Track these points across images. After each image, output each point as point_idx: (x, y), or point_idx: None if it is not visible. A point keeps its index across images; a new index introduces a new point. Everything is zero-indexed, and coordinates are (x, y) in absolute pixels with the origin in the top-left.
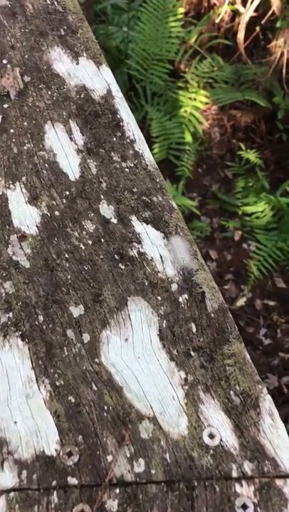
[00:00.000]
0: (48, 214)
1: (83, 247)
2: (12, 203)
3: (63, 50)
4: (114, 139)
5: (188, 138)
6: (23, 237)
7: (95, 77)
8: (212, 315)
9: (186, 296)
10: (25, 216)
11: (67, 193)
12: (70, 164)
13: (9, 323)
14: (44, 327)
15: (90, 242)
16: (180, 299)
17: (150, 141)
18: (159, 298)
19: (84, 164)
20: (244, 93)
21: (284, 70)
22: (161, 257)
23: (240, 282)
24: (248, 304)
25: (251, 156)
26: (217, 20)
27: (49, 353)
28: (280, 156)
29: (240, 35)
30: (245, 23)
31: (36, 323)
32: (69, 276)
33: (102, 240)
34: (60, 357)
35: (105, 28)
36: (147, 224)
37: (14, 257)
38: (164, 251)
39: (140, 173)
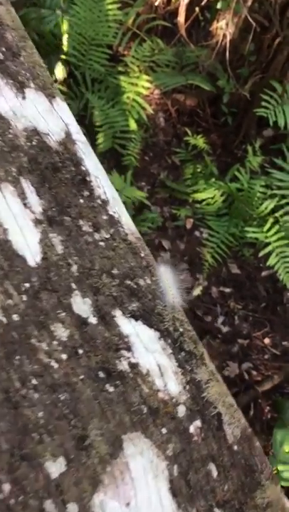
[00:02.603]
0: (5, 320)
1: (56, 366)
2: None
3: (4, 81)
4: (82, 200)
5: (133, 125)
6: None
7: (49, 116)
8: (235, 447)
9: (198, 422)
10: None
11: (28, 285)
12: (28, 242)
13: None
14: (12, 502)
15: (63, 357)
16: (191, 429)
17: (94, 131)
18: (164, 430)
19: (46, 240)
20: (187, 77)
21: (227, 53)
22: (159, 368)
23: (195, 271)
24: (204, 292)
25: (198, 141)
26: (156, 3)
27: None
28: (225, 139)
29: (181, 18)
30: (185, 5)
31: (1, 496)
32: (40, 414)
33: (80, 352)
34: None
35: (37, 12)
36: (136, 320)
37: None
38: (162, 358)
39: (120, 247)
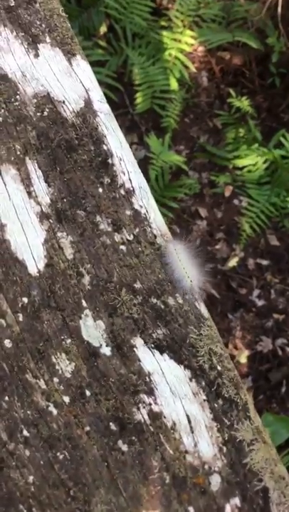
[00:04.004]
0: None
1: (55, 412)
2: None
3: (14, 33)
4: (100, 189)
5: (174, 85)
6: None
7: (66, 79)
8: None
9: (236, 500)
10: None
11: (26, 300)
12: (30, 243)
13: None
14: None
15: (66, 400)
16: (227, 509)
17: (132, 90)
18: (192, 509)
19: (52, 241)
20: (234, 33)
21: (279, 7)
22: (189, 421)
23: (232, 241)
24: (240, 264)
25: (242, 103)
26: None
27: None
28: (272, 102)
29: None
30: None
31: None
32: (31, 478)
33: (88, 393)
34: None
35: None
36: (162, 352)
37: None
38: (193, 407)
39: (145, 254)
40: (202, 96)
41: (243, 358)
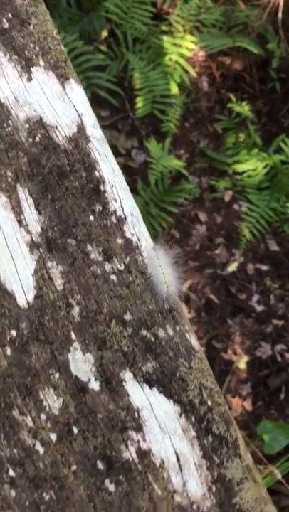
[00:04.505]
0: None
1: (41, 451)
2: None
3: (7, 56)
4: (92, 217)
5: (175, 89)
6: None
7: (59, 103)
8: None
9: None
10: None
11: (14, 333)
12: (19, 274)
13: None
14: None
15: (52, 438)
16: None
17: (133, 94)
18: None
19: (42, 272)
20: (235, 38)
21: (279, 13)
22: (178, 459)
23: (232, 246)
24: (239, 269)
25: (243, 108)
26: None
27: None
28: (272, 107)
29: None
30: None
31: None
32: None
33: (75, 431)
34: None
35: None
36: (151, 387)
37: None
38: (182, 444)
39: (136, 284)
40: (202, 101)
41: (242, 363)
